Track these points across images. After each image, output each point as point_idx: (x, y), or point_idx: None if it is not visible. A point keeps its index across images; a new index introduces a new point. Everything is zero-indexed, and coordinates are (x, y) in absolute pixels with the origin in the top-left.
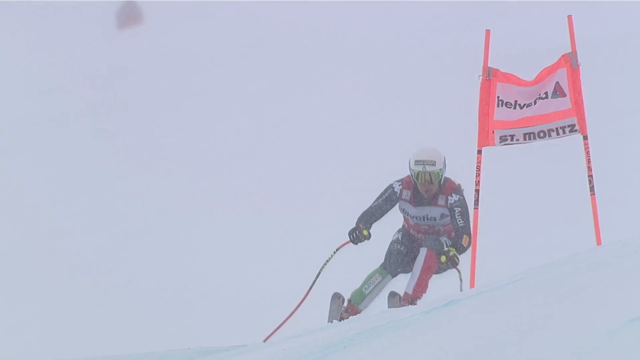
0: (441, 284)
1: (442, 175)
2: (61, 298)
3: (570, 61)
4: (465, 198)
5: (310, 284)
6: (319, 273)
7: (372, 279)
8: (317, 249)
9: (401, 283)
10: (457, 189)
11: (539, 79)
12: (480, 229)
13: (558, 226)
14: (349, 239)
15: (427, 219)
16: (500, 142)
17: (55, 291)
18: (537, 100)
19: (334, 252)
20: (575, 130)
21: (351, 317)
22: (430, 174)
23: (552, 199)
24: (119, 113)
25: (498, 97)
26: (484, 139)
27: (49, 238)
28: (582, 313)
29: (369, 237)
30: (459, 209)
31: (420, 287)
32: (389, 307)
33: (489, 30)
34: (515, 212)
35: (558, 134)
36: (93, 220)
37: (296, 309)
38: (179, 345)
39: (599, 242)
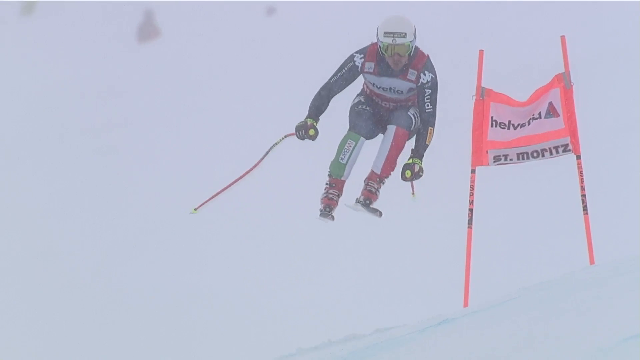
0: (436, 302)
1: (412, 48)
2: (62, 307)
3: (563, 81)
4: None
5: (258, 160)
6: (267, 153)
7: (346, 146)
8: (316, 254)
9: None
10: (429, 65)
11: (533, 99)
12: (474, 247)
13: (552, 245)
14: (295, 134)
15: (394, 91)
16: (494, 162)
17: (56, 300)
18: (530, 121)
19: (283, 137)
20: (569, 150)
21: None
22: (400, 46)
23: (545, 218)
24: (120, 128)
25: (492, 117)
26: (478, 158)
27: (49, 248)
28: (577, 331)
29: (315, 136)
30: (430, 91)
31: (389, 165)
32: (355, 207)
33: (482, 50)
34: (509, 231)
35: (551, 153)
36: (93, 232)
37: (237, 180)
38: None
39: (592, 261)
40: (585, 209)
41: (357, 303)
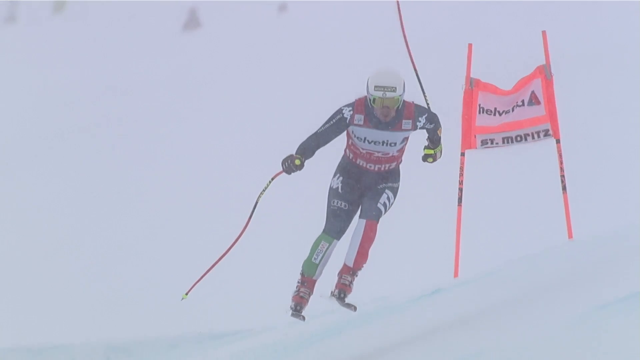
0: (428, 273)
1: (401, 102)
2: (72, 289)
3: (544, 72)
4: (423, 106)
5: (249, 216)
6: (256, 203)
7: (320, 247)
8: (312, 226)
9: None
10: (419, 109)
11: (517, 89)
12: (463, 224)
13: (534, 221)
14: (282, 169)
15: (387, 144)
16: (481, 145)
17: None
18: (514, 108)
19: (270, 182)
20: (549, 135)
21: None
22: (390, 100)
23: (528, 197)
24: (123, 125)
25: (479, 104)
26: (467, 142)
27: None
28: (556, 300)
29: (301, 167)
30: (429, 123)
31: (361, 258)
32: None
33: (471, 44)
34: (495, 209)
35: (534, 138)
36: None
37: (233, 244)
38: (190, 330)
39: (570, 236)
40: (564, 188)
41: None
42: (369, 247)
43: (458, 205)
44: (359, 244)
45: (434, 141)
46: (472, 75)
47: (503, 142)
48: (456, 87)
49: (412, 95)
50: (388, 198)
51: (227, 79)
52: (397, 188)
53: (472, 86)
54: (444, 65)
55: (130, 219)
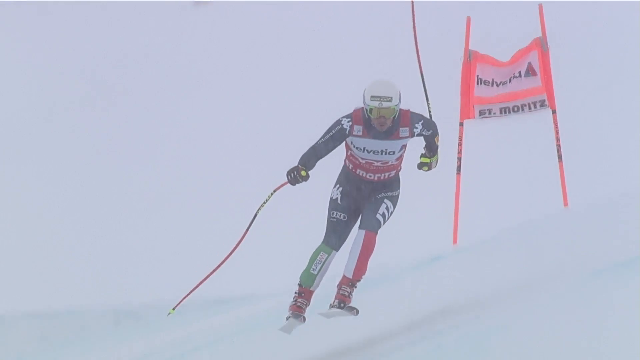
0: (427, 241)
1: (397, 111)
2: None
3: (540, 44)
4: (420, 113)
5: (247, 226)
6: (256, 215)
7: (318, 257)
8: (313, 195)
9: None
10: (414, 116)
11: (514, 60)
12: (462, 192)
13: (531, 190)
14: (287, 180)
15: (386, 153)
16: (479, 115)
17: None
18: (511, 79)
19: (272, 193)
20: (545, 105)
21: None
22: (386, 110)
23: (525, 166)
24: (115, 115)
25: (477, 76)
26: (465, 112)
27: (64, 207)
28: (553, 266)
29: (307, 178)
30: (426, 129)
31: (360, 269)
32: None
33: (469, 17)
34: (493, 178)
35: (530, 108)
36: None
37: (228, 256)
38: (195, 295)
39: (566, 204)
40: (560, 157)
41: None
42: (368, 258)
43: (457, 174)
44: (358, 255)
45: (431, 149)
46: (470, 48)
47: (500, 113)
48: (455, 59)
49: (414, 97)
50: (387, 208)
51: (227, 79)
52: (397, 196)
53: (471, 58)
54: (443, 38)
55: (139, 186)
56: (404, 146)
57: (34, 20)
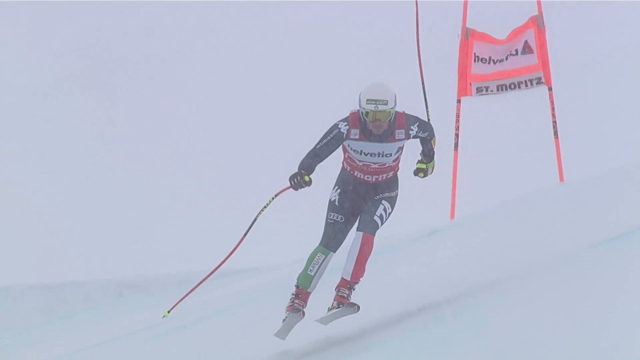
0: (425, 216)
1: (393, 114)
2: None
3: (537, 23)
4: (415, 115)
5: (246, 229)
6: (256, 219)
7: (315, 259)
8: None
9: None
10: (410, 118)
11: (510, 38)
12: (459, 167)
13: (527, 165)
14: (289, 185)
15: (383, 155)
16: (476, 92)
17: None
18: (508, 57)
19: (273, 198)
20: (542, 83)
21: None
22: (382, 113)
23: (521, 142)
24: (116, 115)
25: (475, 54)
26: (463, 90)
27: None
28: (549, 240)
29: (310, 183)
30: (422, 131)
31: (358, 272)
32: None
33: None
34: (490, 153)
35: (527, 85)
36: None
37: (225, 259)
38: (198, 267)
39: (561, 179)
40: (555, 133)
41: None
42: (366, 261)
43: (454, 150)
44: (356, 257)
45: (428, 154)
46: (468, 26)
47: (497, 90)
48: (453, 37)
49: (413, 97)
50: (385, 209)
51: (227, 79)
52: (395, 196)
53: (468, 36)
54: (441, 15)
55: (143, 159)
56: (401, 148)
57: (34, 20)
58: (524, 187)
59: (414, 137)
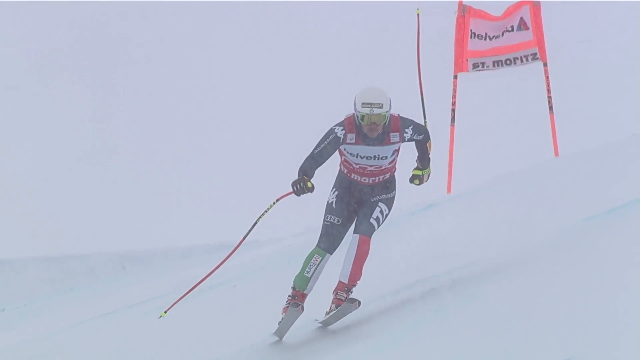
0: (422, 189)
1: (388, 118)
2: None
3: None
4: (410, 118)
5: (246, 233)
6: (256, 222)
7: (312, 260)
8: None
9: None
10: (404, 121)
11: (506, 15)
12: (455, 142)
13: (522, 140)
14: (292, 190)
15: (378, 158)
16: (473, 68)
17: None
18: (504, 33)
19: (274, 202)
20: (537, 58)
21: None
22: (377, 116)
23: (517, 117)
24: (114, 120)
25: (471, 30)
26: (459, 66)
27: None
28: (544, 213)
29: (312, 189)
30: (417, 134)
31: (355, 274)
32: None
33: None
34: (486, 128)
35: (522, 61)
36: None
37: (225, 259)
38: (199, 241)
39: (556, 154)
40: (550, 109)
41: None
42: (363, 263)
43: (451, 125)
44: (352, 260)
45: (423, 159)
46: (464, 3)
47: (493, 65)
48: (449, 14)
49: (413, 97)
50: (381, 211)
51: (227, 78)
52: (393, 197)
53: (465, 12)
54: None
55: (146, 134)
56: (396, 151)
57: (34, 20)
58: (519, 162)
59: (409, 140)
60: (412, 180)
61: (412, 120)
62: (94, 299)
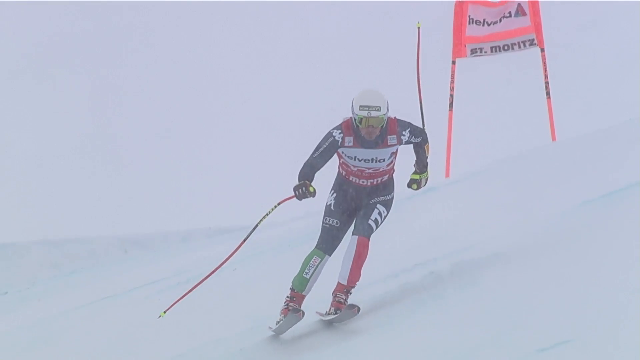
0: None
1: (385, 120)
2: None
3: None
4: (408, 120)
5: (246, 236)
6: (257, 225)
7: (311, 262)
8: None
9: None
10: (401, 124)
11: (504, 1)
12: (454, 127)
13: (519, 125)
14: (294, 194)
15: (376, 161)
16: (471, 54)
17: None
18: (502, 19)
19: (276, 206)
20: (534, 44)
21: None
22: (374, 119)
23: (514, 102)
24: (116, 112)
25: (469, 16)
26: (458, 51)
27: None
28: (541, 197)
29: (314, 193)
30: (414, 137)
31: (354, 276)
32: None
33: None
34: (483, 113)
35: (520, 47)
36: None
37: (225, 260)
38: (199, 225)
39: (553, 138)
40: (548, 94)
41: None
42: (362, 264)
43: (449, 110)
44: (351, 261)
45: (421, 163)
46: None
47: (491, 51)
48: (449, 1)
49: (413, 101)
50: (380, 213)
51: (228, 78)
52: (391, 199)
53: None
54: None
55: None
56: (394, 153)
57: (34, 20)
58: (517, 146)
59: (407, 142)
60: (409, 184)
61: (409, 123)
62: (95, 282)
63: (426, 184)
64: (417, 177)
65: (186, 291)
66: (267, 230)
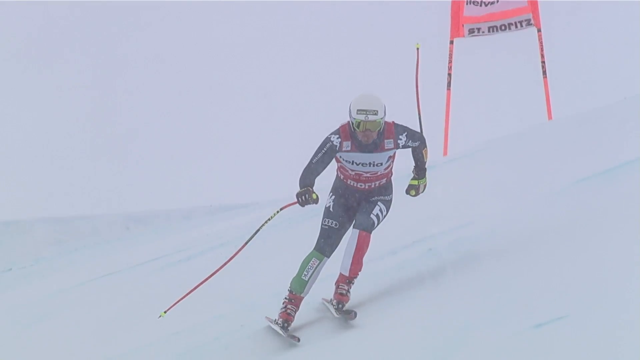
0: None
1: (382, 125)
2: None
3: None
4: (404, 125)
5: (247, 239)
6: (259, 229)
7: (310, 264)
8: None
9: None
10: (398, 128)
11: None
12: (452, 106)
13: (516, 104)
14: (296, 201)
15: (374, 165)
16: (468, 34)
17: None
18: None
19: (278, 211)
20: (531, 24)
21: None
22: (372, 123)
23: (511, 82)
24: (118, 112)
25: None
26: (455, 31)
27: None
28: (538, 175)
29: (317, 200)
30: (411, 141)
31: (355, 267)
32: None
33: None
34: (481, 92)
35: (517, 27)
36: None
37: (227, 261)
38: (202, 202)
39: (550, 117)
40: (544, 73)
41: None
42: (363, 256)
43: (447, 89)
44: (353, 253)
45: (419, 168)
46: None
47: (489, 31)
48: None
49: (410, 96)
50: (381, 210)
51: (228, 78)
52: (390, 200)
53: None
54: None
55: (150, 97)
56: (392, 157)
57: (34, 20)
58: (514, 125)
59: (404, 146)
60: (408, 190)
61: (406, 127)
62: (98, 258)
63: (424, 190)
64: (415, 182)
65: (186, 292)
66: (267, 208)
